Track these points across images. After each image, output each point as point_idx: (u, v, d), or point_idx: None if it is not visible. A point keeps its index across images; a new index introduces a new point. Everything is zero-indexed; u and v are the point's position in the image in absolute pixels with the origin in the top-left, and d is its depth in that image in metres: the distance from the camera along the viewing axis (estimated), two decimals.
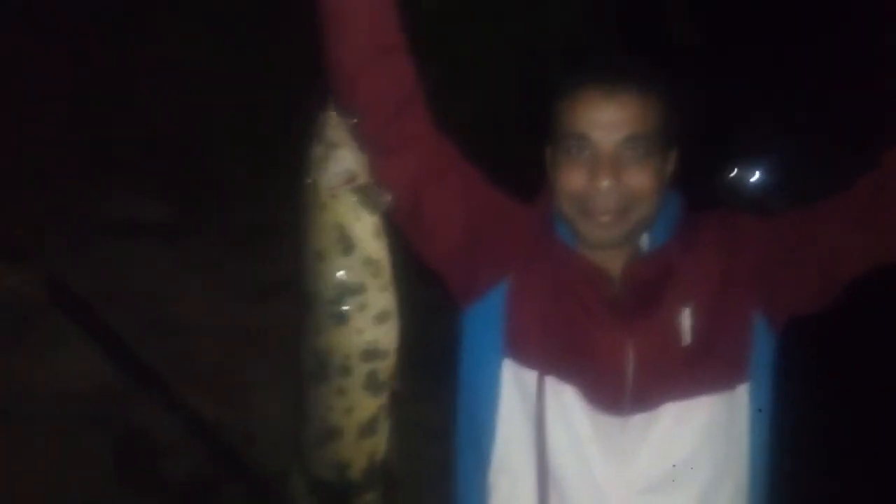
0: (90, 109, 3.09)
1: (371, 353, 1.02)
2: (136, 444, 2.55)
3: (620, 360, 1.04)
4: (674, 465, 1.04)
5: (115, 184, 3.09)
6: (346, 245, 1.00)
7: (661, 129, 1.04)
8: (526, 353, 1.08)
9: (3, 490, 2.28)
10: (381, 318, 1.02)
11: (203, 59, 3.19)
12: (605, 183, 1.02)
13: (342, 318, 1.01)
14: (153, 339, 2.67)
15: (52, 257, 2.72)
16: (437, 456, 1.30)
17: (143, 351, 2.61)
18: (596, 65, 1.09)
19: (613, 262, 1.08)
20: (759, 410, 1.07)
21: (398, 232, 1.08)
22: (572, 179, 1.05)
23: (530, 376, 1.07)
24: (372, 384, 1.03)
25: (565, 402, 1.06)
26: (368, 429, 1.05)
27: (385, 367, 1.04)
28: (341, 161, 1.00)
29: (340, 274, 1.00)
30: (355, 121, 1.00)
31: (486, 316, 1.11)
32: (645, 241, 1.11)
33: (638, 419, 1.04)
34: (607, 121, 1.02)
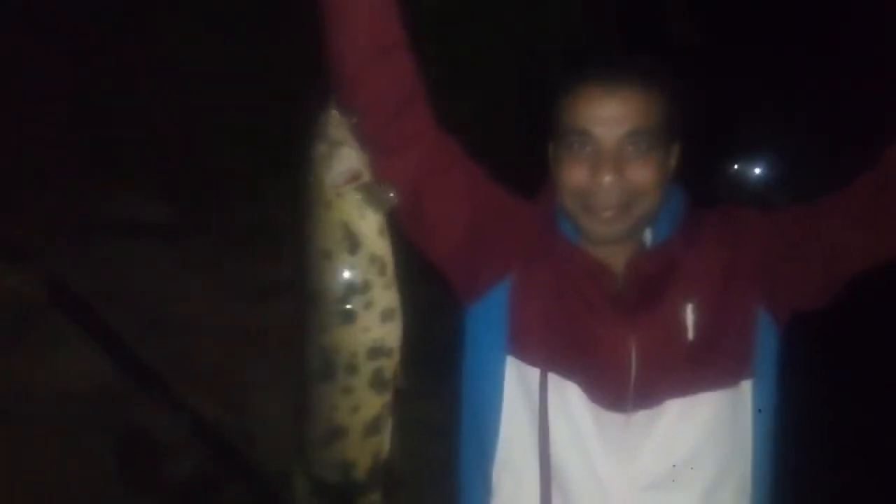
0: (90, 109, 3.09)
1: (377, 351, 1.02)
2: (137, 444, 2.55)
3: (623, 357, 1.04)
4: (676, 464, 1.04)
5: (116, 184, 3.09)
6: (352, 243, 1.00)
7: (663, 124, 1.04)
8: (529, 350, 1.08)
9: (3, 490, 2.28)
10: (386, 315, 1.02)
11: (203, 59, 3.18)
12: (607, 178, 1.02)
13: (348, 317, 1.01)
14: (153, 339, 2.67)
15: (53, 257, 2.71)
16: (439, 453, 1.30)
17: (144, 351, 2.61)
18: (597, 61, 1.10)
19: (616, 258, 1.08)
20: (760, 411, 1.07)
21: (401, 230, 1.08)
22: (574, 175, 1.05)
23: (533, 373, 1.07)
24: (377, 382, 1.03)
25: (568, 398, 1.06)
26: (373, 427, 1.05)
27: (390, 364, 1.03)
28: (345, 159, 1.00)
29: (346, 272, 1.00)
30: (357, 119, 1.00)
31: (489, 313, 1.11)
32: (648, 236, 1.11)
33: (641, 416, 1.04)
34: (609, 116, 1.02)
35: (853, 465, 3.14)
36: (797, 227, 1.06)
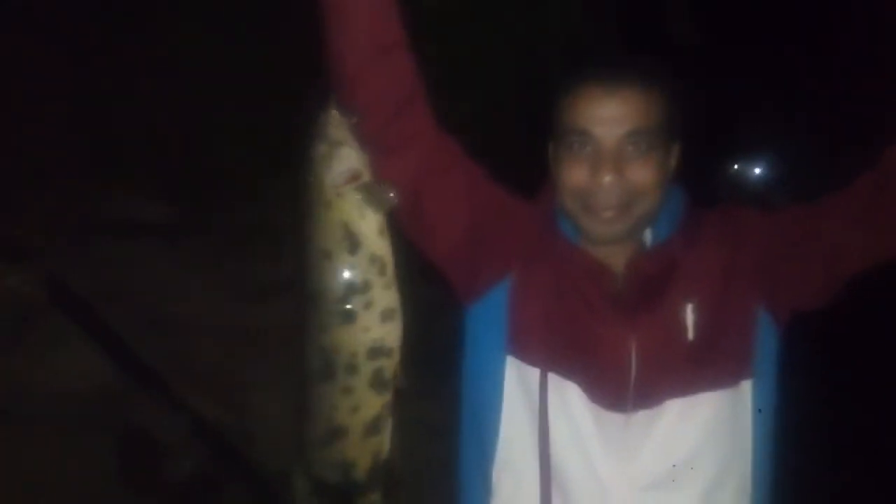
0: (90, 109, 3.09)
1: (377, 351, 1.02)
2: (137, 444, 2.55)
3: (623, 357, 1.04)
4: (676, 464, 1.04)
5: (115, 184, 3.09)
6: (352, 243, 1.00)
7: (663, 124, 1.04)
8: (528, 350, 1.08)
9: (3, 490, 2.28)
10: (386, 315, 1.02)
11: (203, 58, 3.18)
12: (607, 178, 1.02)
13: (349, 317, 1.01)
14: (153, 339, 2.67)
15: (53, 257, 2.71)
16: (439, 453, 1.30)
17: (144, 351, 2.61)
18: (597, 61, 1.09)
19: (616, 258, 1.08)
20: (760, 411, 1.07)
21: (400, 230, 1.08)
22: (574, 175, 1.05)
23: (533, 373, 1.07)
24: (377, 382, 1.03)
25: (568, 398, 1.06)
26: (373, 427, 1.05)
27: (390, 364, 1.03)
28: (345, 159, 1.01)
29: (346, 272, 1.00)
30: (357, 119, 1.00)
31: (488, 313, 1.11)
32: (648, 236, 1.11)
33: (641, 416, 1.04)
34: (609, 116, 1.02)
35: (853, 464, 3.14)
36: (797, 228, 1.06)
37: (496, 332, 1.10)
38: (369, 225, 1.01)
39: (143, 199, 3.13)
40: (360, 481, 1.06)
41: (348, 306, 1.00)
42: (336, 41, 1.03)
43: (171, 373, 2.58)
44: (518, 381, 1.09)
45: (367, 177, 1.01)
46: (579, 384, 1.06)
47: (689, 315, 1.05)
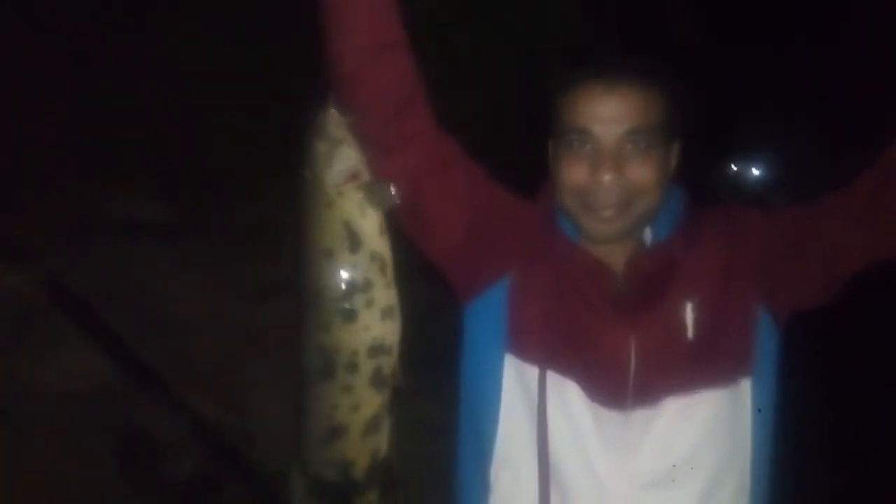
0: (90, 109, 3.09)
1: (377, 350, 1.02)
2: (137, 444, 2.55)
3: (622, 355, 1.04)
4: (675, 462, 1.04)
5: (115, 184, 3.09)
6: (353, 242, 1.00)
7: (662, 123, 1.04)
8: (527, 348, 1.08)
9: (3, 489, 2.28)
10: (386, 314, 1.02)
11: (203, 59, 3.19)
12: (606, 177, 1.02)
13: (350, 315, 1.01)
14: (153, 339, 2.67)
15: (53, 257, 2.72)
16: (438, 452, 1.30)
17: (144, 351, 2.61)
18: (597, 59, 1.09)
19: (616, 257, 1.08)
20: (759, 411, 1.07)
21: (399, 229, 1.08)
22: (574, 174, 1.05)
23: (532, 372, 1.07)
24: (377, 380, 1.03)
25: (567, 397, 1.06)
26: (373, 426, 1.05)
27: (389, 363, 1.04)
28: (345, 158, 1.01)
29: (348, 270, 1.00)
30: (356, 118, 1.00)
31: (488, 311, 1.11)
32: (648, 235, 1.11)
33: (640, 414, 1.04)
34: (608, 115, 1.02)
35: (852, 463, 3.15)
36: (797, 227, 1.06)
37: (495, 330, 1.10)
38: (370, 224, 1.01)
39: (143, 199, 3.14)
40: (359, 480, 1.07)
41: (349, 305, 1.01)
42: (336, 40, 1.03)
43: (170, 373, 2.58)
44: (517, 379, 1.09)
45: (366, 176, 1.01)
46: (578, 382, 1.06)
47: (689, 314, 1.05)
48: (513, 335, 1.09)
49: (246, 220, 3.08)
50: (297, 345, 1.07)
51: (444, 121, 1.10)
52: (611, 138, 1.02)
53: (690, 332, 1.04)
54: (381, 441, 1.07)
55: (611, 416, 1.04)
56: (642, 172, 1.03)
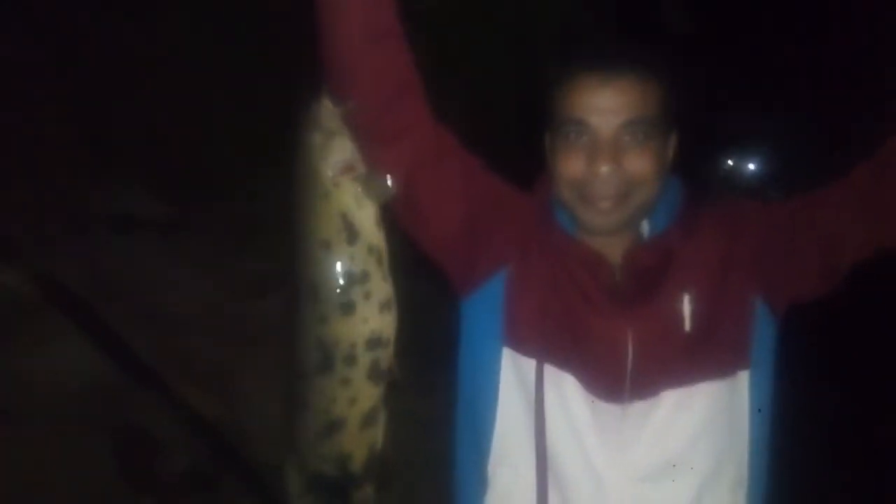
0: (86, 105, 3.08)
1: (375, 342, 1.02)
2: (133, 440, 2.54)
3: (620, 348, 1.04)
4: (673, 454, 1.04)
5: (112, 180, 3.08)
6: (350, 233, 1.00)
7: (660, 114, 1.03)
8: (525, 341, 1.08)
9: (1, 488, 2.27)
10: (384, 306, 1.02)
11: (200, 55, 3.17)
12: (604, 168, 1.01)
13: (349, 307, 1.00)
14: (149, 336, 2.66)
15: (48, 254, 2.70)
16: (435, 446, 1.30)
17: (140, 348, 2.60)
18: (593, 50, 1.08)
19: (613, 249, 1.08)
20: (759, 411, 1.06)
21: (396, 221, 1.07)
22: (571, 165, 1.04)
23: (529, 365, 1.07)
24: (374, 373, 1.03)
25: (564, 390, 1.06)
26: (370, 419, 1.05)
27: (386, 355, 1.04)
28: (340, 149, 1.00)
29: (346, 262, 1.00)
30: (350, 109, 0.99)
31: (485, 305, 1.11)
32: (645, 227, 1.10)
33: (637, 407, 1.04)
34: (606, 106, 1.01)
35: (849, 456, 3.16)
36: (794, 218, 1.05)
37: (492, 323, 1.10)
38: (367, 215, 1.01)
39: (139, 195, 3.12)
40: (357, 474, 1.06)
41: (347, 297, 1.00)
42: (329, 30, 1.01)
43: (167, 369, 2.57)
44: (514, 372, 1.08)
45: (361, 167, 1.00)
46: (576, 375, 1.05)
47: (686, 306, 1.04)
48: (510, 328, 1.09)
49: (242, 215, 3.07)
50: (293, 339, 1.06)
51: (440, 112, 1.09)
52: (608, 130, 1.01)
53: (688, 325, 1.04)
54: (378, 434, 1.07)
55: (608, 409, 1.04)
56: (640, 164, 1.02)
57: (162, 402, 2.53)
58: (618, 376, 1.04)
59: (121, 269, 2.86)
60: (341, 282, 1.00)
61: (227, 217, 3.14)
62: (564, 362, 1.06)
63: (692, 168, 1.23)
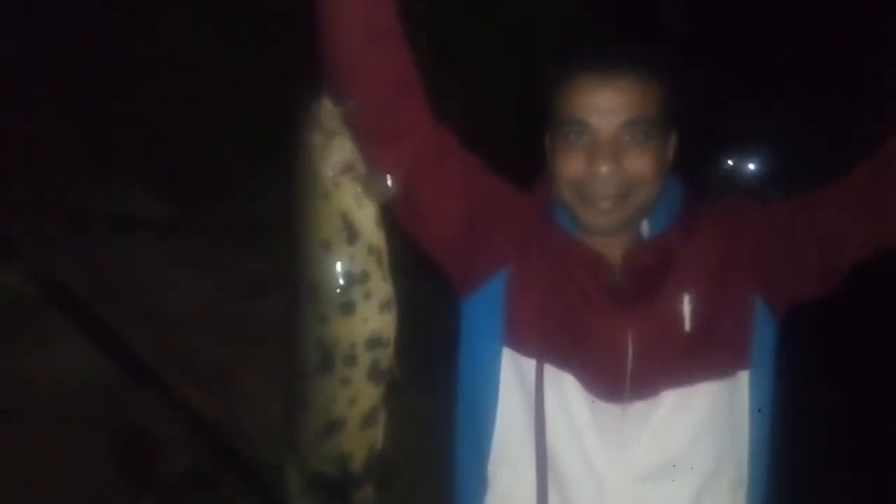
0: (86, 105, 3.08)
1: (375, 342, 1.02)
2: (133, 440, 2.54)
3: (620, 348, 1.04)
4: (673, 454, 1.04)
5: (112, 180, 3.08)
6: (350, 233, 1.00)
7: (660, 114, 1.03)
8: (524, 341, 1.08)
9: (1, 488, 2.27)
10: (384, 306, 1.02)
11: (200, 55, 3.17)
12: (604, 168, 1.01)
13: (349, 307, 1.00)
14: (149, 336, 2.66)
15: (48, 254, 2.70)
16: (435, 446, 1.30)
17: (140, 348, 2.60)
18: (593, 50, 1.08)
19: (613, 249, 1.08)
20: (759, 411, 1.06)
21: (395, 221, 1.07)
22: (571, 165, 1.04)
23: (529, 365, 1.07)
24: (374, 373, 1.03)
25: (564, 390, 1.06)
26: (370, 419, 1.05)
27: (386, 355, 1.04)
28: (340, 150, 1.00)
29: (346, 262, 1.00)
30: (350, 109, 0.99)
31: (485, 305, 1.11)
32: (645, 227, 1.10)
33: (637, 407, 1.04)
34: (606, 106, 1.01)
35: (849, 456, 3.16)
36: (794, 218, 1.05)
37: (492, 323, 1.09)
38: (367, 215, 1.01)
39: (139, 195, 3.12)
40: (357, 474, 1.06)
41: (348, 297, 1.00)
42: (329, 29, 1.01)
43: (167, 369, 2.57)
44: (514, 372, 1.08)
45: (361, 167, 1.00)
46: (576, 375, 1.05)
47: (686, 306, 1.04)
48: (510, 328, 1.09)
49: (242, 215, 3.07)
50: (293, 340, 1.06)
51: (440, 112, 1.09)
52: (608, 129, 1.01)
53: (688, 325, 1.04)
54: (378, 434, 1.07)
55: (608, 409, 1.04)
56: (640, 164, 1.02)
57: (162, 403, 2.52)
58: (618, 376, 1.04)
59: (121, 269, 2.86)
60: (341, 282, 1.00)
61: (227, 217, 3.14)
62: (564, 362, 1.06)
63: (692, 168, 1.23)
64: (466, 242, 1.11)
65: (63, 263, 2.69)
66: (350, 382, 1.03)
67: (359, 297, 1.01)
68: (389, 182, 1.01)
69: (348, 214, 1.00)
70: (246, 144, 3.18)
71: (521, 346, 1.08)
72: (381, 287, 1.02)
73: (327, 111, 0.99)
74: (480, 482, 1.12)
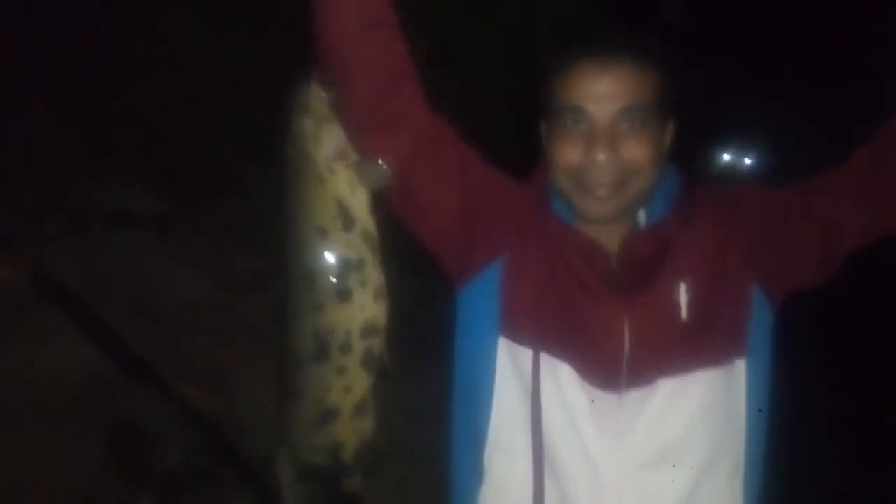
0: (82, 102, 3.08)
1: (369, 330, 1.02)
2: (128, 434, 2.54)
3: (616, 337, 1.03)
4: (669, 443, 1.03)
5: (107, 176, 3.08)
6: (346, 220, 0.99)
7: (657, 101, 1.02)
8: (521, 330, 1.07)
9: (0, 487, 2.27)
10: (378, 294, 1.02)
11: (195, 53, 3.18)
12: (601, 156, 1.00)
13: (345, 295, 1.00)
14: (144, 330, 2.66)
15: (43, 249, 2.70)
16: (430, 436, 1.29)
17: (139, 345, 2.60)
18: (590, 37, 1.08)
19: (610, 238, 1.07)
20: (756, 399, 1.06)
21: (387, 210, 1.06)
22: (568, 153, 1.03)
23: (525, 354, 1.06)
24: (368, 361, 1.03)
25: (561, 379, 1.05)
26: (362, 407, 1.04)
27: (378, 344, 1.03)
28: (333, 135, 0.99)
29: (343, 249, 0.99)
30: (339, 94, 0.98)
31: (481, 294, 1.10)
32: (642, 216, 1.09)
33: (634, 395, 1.03)
34: (603, 93, 1.00)
35: (846, 444, 3.15)
36: (791, 205, 1.05)
37: (488, 313, 1.09)
38: (361, 202, 1.00)
39: (135, 191, 3.13)
40: (348, 463, 1.06)
41: (344, 284, 0.99)
42: (323, 16, 1.01)
43: (162, 363, 2.57)
44: (510, 362, 1.08)
45: (354, 153, 1.00)
46: (572, 364, 1.05)
47: (683, 294, 1.04)
48: (506, 318, 1.08)
49: (237, 211, 3.07)
50: (284, 329, 1.05)
51: (436, 102, 1.09)
52: (605, 117, 1.01)
53: (684, 313, 1.03)
54: (369, 423, 1.06)
55: (604, 398, 1.04)
56: (637, 151, 1.01)
57: (160, 399, 2.52)
58: (614, 365, 1.03)
59: (120, 266, 2.85)
60: (338, 268, 1.00)
61: (226, 215, 3.14)
62: (561, 351, 1.05)
63: (689, 157, 1.23)
64: (463, 233, 1.10)
65: (62, 261, 2.69)
66: (345, 371, 1.03)
67: (355, 284, 1.00)
68: (383, 168, 1.00)
69: (343, 200, 0.99)
70: (245, 143, 3.18)
71: (517, 335, 1.07)
72: (375, 275, 1.02)
73: (317, 96, 0.98)
74: (477, 471, 1.12)
